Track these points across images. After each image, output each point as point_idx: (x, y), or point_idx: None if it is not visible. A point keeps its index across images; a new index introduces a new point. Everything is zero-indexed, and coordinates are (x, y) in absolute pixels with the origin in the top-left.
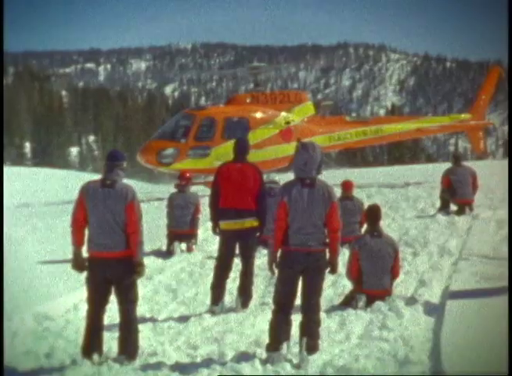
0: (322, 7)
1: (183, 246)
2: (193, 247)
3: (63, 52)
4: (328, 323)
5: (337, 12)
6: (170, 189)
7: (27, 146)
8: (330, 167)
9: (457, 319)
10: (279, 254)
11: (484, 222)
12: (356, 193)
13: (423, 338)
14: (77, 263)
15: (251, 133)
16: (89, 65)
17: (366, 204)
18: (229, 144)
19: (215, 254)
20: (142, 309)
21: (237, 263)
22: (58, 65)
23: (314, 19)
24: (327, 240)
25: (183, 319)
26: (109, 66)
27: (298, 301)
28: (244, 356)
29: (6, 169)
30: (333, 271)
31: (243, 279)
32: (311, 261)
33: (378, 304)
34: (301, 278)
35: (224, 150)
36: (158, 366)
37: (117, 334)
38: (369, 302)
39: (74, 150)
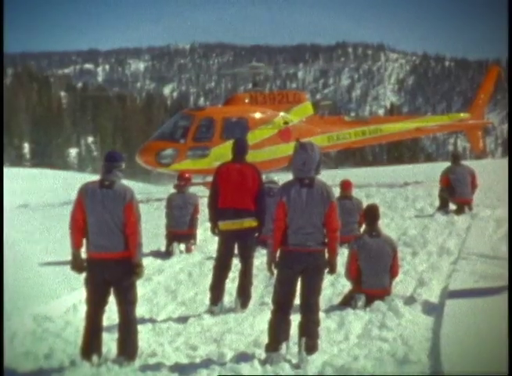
0: (321, 7)
1: (182, 246)
2: (192, 247)
3: (62, 53)
4: (327, 323)
5: (335, 12)
6: (169, 189)
7: (26, 146)
8: (329, 167)
9: (456, 319)
10: (278, 254)
11: (483, 221)
12: (355, 192)
13: (423, 337)
14: (76, 264)
15: (250, 133)
16: (88, 66)
17: (365, 203)
18: (228, 144)
19: (214, 255)
20: (141, 310)
21: (236, 263)
22: (56, 66)
23: (313, 19)
24: (326, 240)
25: (182, 319)
26: (107, 66)
27: (297, 301)
28: (243, 357)
29: (5, 170)
30: (332, 271)
31: (242, 279)
32: (310, 261)
33: (377, 303)
34: (300, 278)
35: (223, 151)
36: (157, 366)
37: (116, 335)
38: (368, 302)
39: (73, 151)
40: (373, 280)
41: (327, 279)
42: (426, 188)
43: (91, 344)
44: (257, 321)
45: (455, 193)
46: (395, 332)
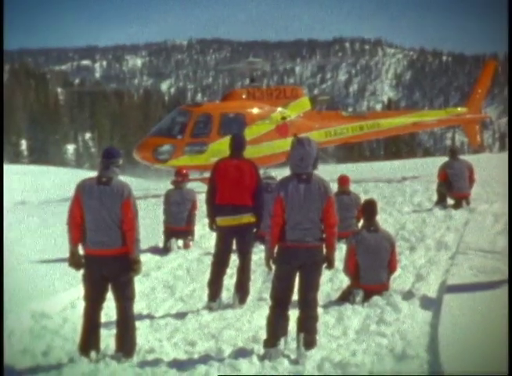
0: (318, 2)
1: (180, 242)
2: (190, 243)
3: (59, 50)
4: (325, 319)
5: (332, 7)
6: (166, 185)
7: (23, 143)
8: (327, 162)
9: (454, 313)
10: (276, 250)
11: (481, 215)
12: (353, 187)
13: (421, 332)
14: (74, 261)
15: (248, 129)
16: (85, 62)
17: (363, 198)
18: (226, 140)
19: (212, 251)
20: (139, 306)
21: (234, 259)
22: (54, 62)
23: (310, 14)
24: (324, 236)
25: (180, 315)
26: (105, 62)
27: (295, 296)
28: (242, 352)
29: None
30: (330, 266)
31: (241, 275)
32: (308, 256)
33: (375, 299)
34: (298, 274)
35: (220, 146)
36: (156, 363)
37: (114, 332)
38: (367, 297)
39: (71, 148)
40: (371, 275)
41: (325, 274)
42: (424, 183)
43: (89, 340)
44: (255, 317)
45: (453, 187)
46: (393, 327)
